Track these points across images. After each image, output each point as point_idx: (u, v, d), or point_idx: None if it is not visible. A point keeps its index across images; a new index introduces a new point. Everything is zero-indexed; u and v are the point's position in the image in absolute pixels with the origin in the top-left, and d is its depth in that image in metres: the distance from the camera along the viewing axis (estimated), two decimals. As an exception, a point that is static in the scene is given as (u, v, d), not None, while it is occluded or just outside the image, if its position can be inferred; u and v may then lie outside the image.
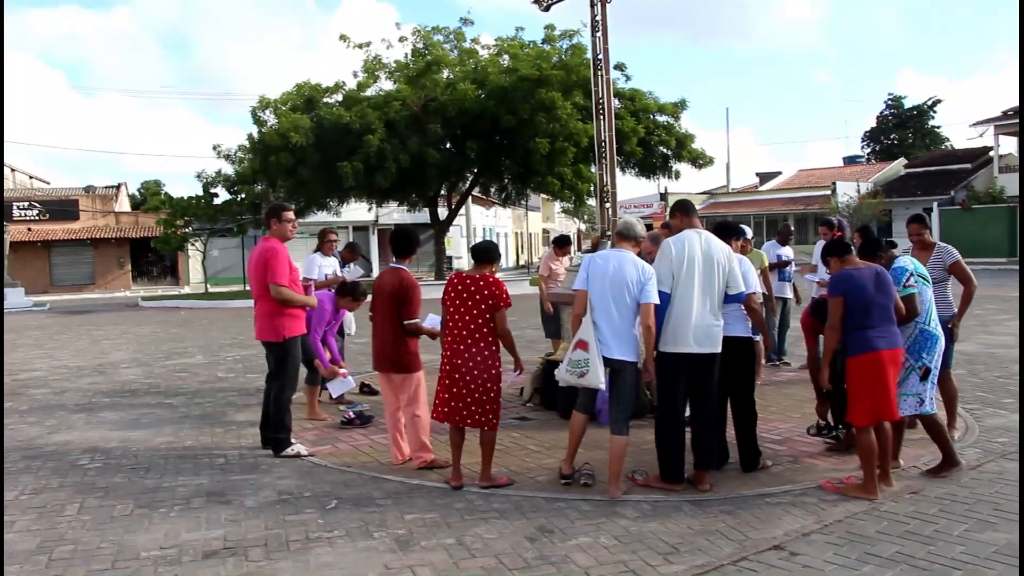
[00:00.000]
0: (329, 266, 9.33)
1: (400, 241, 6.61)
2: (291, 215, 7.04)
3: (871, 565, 4.36)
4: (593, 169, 9.93)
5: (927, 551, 4.53)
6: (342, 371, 8.38)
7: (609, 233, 8.83)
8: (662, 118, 29.68)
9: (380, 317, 6.51)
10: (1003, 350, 11.58)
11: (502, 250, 56.90)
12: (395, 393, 6.57)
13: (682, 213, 5.97)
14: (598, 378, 5.45)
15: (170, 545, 4.89)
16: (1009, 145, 42.73)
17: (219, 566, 4.56)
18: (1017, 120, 40.36)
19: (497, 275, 6.02)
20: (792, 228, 10.82)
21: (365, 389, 9.62)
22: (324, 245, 9.44)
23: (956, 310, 6.91)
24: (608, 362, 5.51)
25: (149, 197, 47.25)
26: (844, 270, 5.67)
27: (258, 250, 6.87)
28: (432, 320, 6.69)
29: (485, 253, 6.01)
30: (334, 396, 8.57)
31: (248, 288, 6.96)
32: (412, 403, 6.43)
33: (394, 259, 6.62)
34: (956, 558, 4.43)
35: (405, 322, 6.33)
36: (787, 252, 10.89)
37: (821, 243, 9.92)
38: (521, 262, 59.27)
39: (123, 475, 6.49)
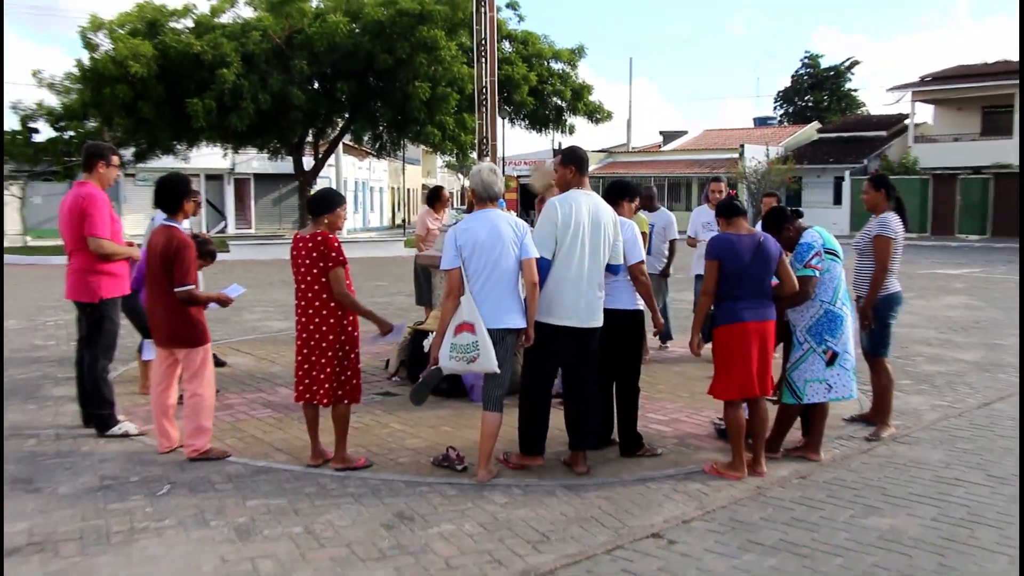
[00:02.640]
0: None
1: (164, 193, 6.28)
2: (119, 160, 6.81)
3: (752, 553, 4.58)
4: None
5: (811, 538, 4.79)
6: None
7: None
8: (557, 66, 29.93)
9: (154, 284, 6.18)
10: (904, 329, 12.18)
11: (376, 206, 56.60)
12: (169, 370, 6.33)
13: (574, 166, 5.93)
14: (491, 361, 5.44)
15: (-41, 542, 4.69)
16: (925, 114, 44.74)
17: (21, 564, 4.43)
18: (935, 86, 42.23)
19: (340, 229, 5.94)
20: (655, 191, 10.84)
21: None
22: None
23: (887, 287, 6.92)
24: (490, 333, 5.50)
25: (-46, 131, 44.75)
26: (724, 234, 5.88)
27: (72, 196, 6.61)
28: (234, 289, 6.58)
29: (318, 204, 5.85)
30: (144, 359, 8.23)
31: (64, 243, 6.69)
32: (194, 379, 6.17)
33: (163, 214, 6.29)
34: (840, 544, 4.70)
35: (176, 289, 6.01)
36: (654, 219, 10.97)
37: (703, 208, 10.11)
38: (398, 220, 58.85)
39: None
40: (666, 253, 10.13)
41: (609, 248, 5.84)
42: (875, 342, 6.92)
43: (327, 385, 5.75)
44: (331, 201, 5.87)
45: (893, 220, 6.86)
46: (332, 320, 5.74)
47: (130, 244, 6.93)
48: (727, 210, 6.00)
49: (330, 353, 5.74)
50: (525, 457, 5.93)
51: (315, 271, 5.70)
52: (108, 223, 6.56)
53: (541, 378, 5.88)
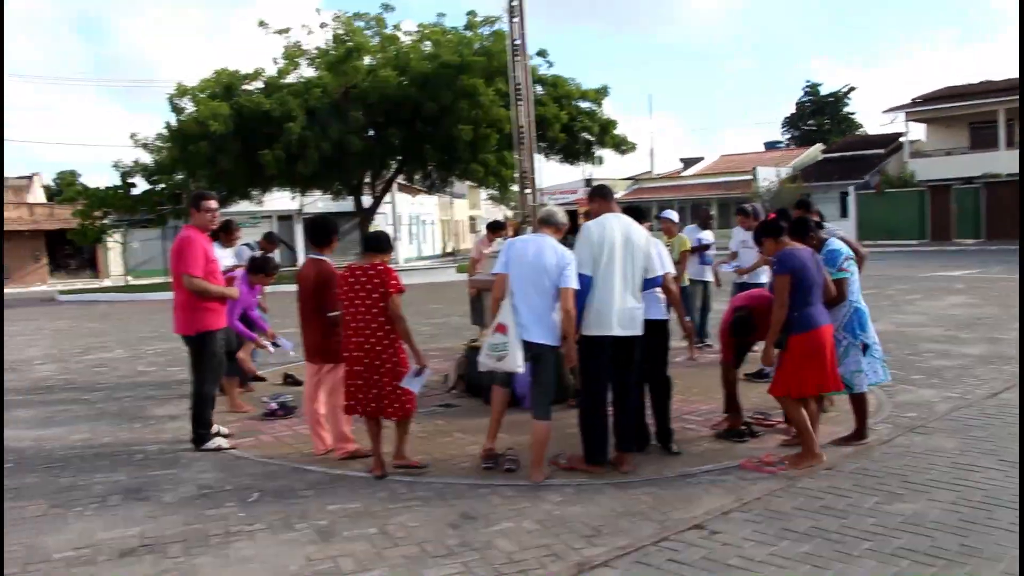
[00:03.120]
0: (226, 257, 9.02)
1: (316, 231, 6.54)
2: (211, 204, 6.84)
3: (787, 540, 4.47)
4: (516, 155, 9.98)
5: (840, 524, 4.66)
6: (274, 342, 8.41)
7: (530, 218, 8.85)
8: (585, 104, 29.88)
9: (305, 308, 6.46)
10: (913, 328, 11.98)
11: (428, 237, 56.88)
12: (317, 384, 6.49)
13: (600, 197, 6.01)
14: (516, 361, 5.44)
15: (84, 545, 4.74)
16: (918, 132, 44.26)
17: (135, 564, 4.45)
18: (925, 107, 41.82)
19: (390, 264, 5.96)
20: (711, 212, 10.98)
21: (289, 380, 9.49)
22: (224, 236, 9.08)
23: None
24: (528, 346, 5.50)
25: (64, 188, 45.48)
26: (788, 249, 5.77)
27: (176, 240, 6.72)
28: None
29: (374, 242, 5.98)
30: (288, 351, 8.57)
31: (171, 280, 6.81)
32: (335, 392, 6.33)
33: (313, 250, 6.55)
34: (867, 529, 4.58)
35: (329, 315, 6.25)
36: (707, 236, 11.07)
37: (738, 230, 10.01)
38: (448, 249, 59.05)
39: (35, 474, 6.26)
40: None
41: (643, 262, 5.77)
42: None
43: (388, 400, 5.74)
44: (385, 244, 6.00)
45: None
46: (387, 342, 5.73)
47: (228, 283, 7.03)
48: (774, 230, 5.95)
49: (386, 371, 5.72)
50: (591, 466, 5.78)
51: (375, 295, 5.69)
52: (202, 263, 6.60)
53: (595, 387, 5.78)
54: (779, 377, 5.81)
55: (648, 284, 5.86)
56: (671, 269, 6.20)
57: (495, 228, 11.58)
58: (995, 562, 4.12)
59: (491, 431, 5.97)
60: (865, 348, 6.11)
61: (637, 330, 5.74)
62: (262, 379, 9.77)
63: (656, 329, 6.12)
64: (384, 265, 5.76)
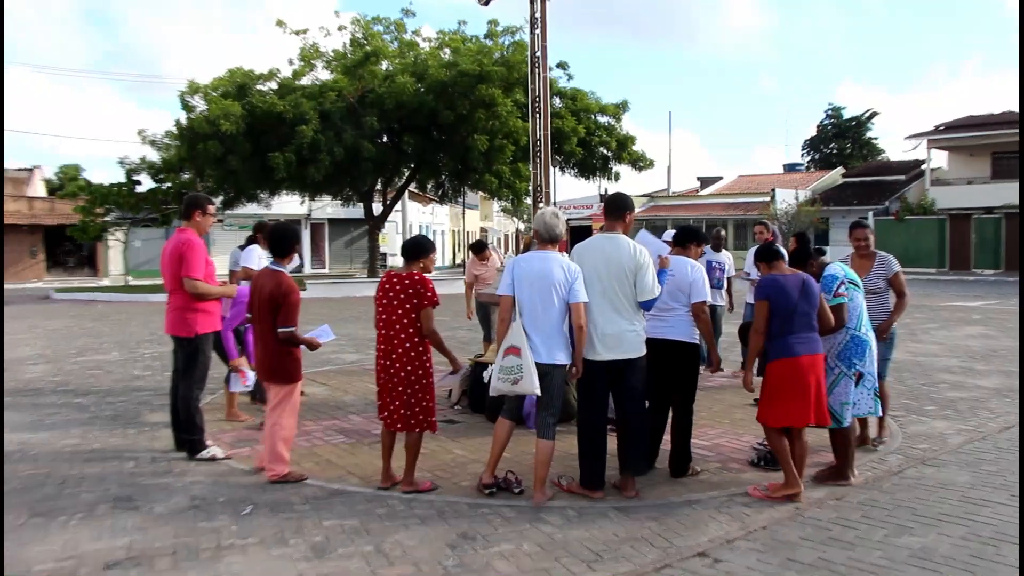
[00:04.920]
0: (264, 259, 8.93)
1: (275, 240, 6.27)
2: (214, 209, 6.87)
3: (792, 571, 4.42)
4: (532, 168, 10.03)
5: (847, 556, 4.61)
6: (243, 369, 7.84)
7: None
8: (603, 119, 29.92)
9: (260, 322, 6.12)
10: (928, 359, 11.90)
11: (439, 247, 56.98)
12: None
13: (605, 213, 5.92)
14: (533, 384, 5.38)
15: (67, 556, 4.68)
16: (940, 159, 44.28)
17: (121, 577, 4.39)
18: (948, 135, 41.77)
19: (431, 272, 5.91)
20: (724, 234, 10.85)
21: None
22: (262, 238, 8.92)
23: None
24: (538, 366, 5.44)
25: (67, 183, 45.57)
26: (771, 275, 5.77)
27: (173, 242, 6.68)
28: (323, 331, 6.49)
29: (413, 249, 5.87)
30: (231, 390, 8.15)
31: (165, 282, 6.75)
32: (276, 410, 6.10)
33: (272, 259, 6.27)
34: (874, 563, 4.52)
35: (279, 330, 5.96)
36: (720, 258, 10.98)
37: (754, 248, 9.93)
38: (458, 260, 59.08)
39: (18, 481, 6.17)
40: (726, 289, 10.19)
41: (629, 286, 5.61)
42: (882, 366, 6.72)
43: (403, 411, 5.69)
44: (425, 248, 5.89)
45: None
46: (414, 353, 5.69)
47: (225, 283, 6.94)
48: (768, 255, 5.90)
49: (408, 383, 5.68)
50: (586, 490, 5.72)
51: (407, 306, 5.65)
52: (203, 266, 6.62)
53: (589, 411, 5.75)
54: (760, 404, 5.79)
55: (644, 307, 5.71)
56: (705, 296, 6.09)
57: (478, 249, 11.56)
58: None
59: (491, 464, 5.80)
60: (859, 377, 6.02)
61: (630, 353, 5.63)
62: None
63: (681, 351, 6.08)
64: (420, 275, 5.71)
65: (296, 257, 6.47)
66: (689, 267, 6.15)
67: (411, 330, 5.68)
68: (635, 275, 5.62)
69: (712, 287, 10.61)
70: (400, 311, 5.68)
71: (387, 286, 5.76)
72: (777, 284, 5.66)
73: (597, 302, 5.58)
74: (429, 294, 5.67)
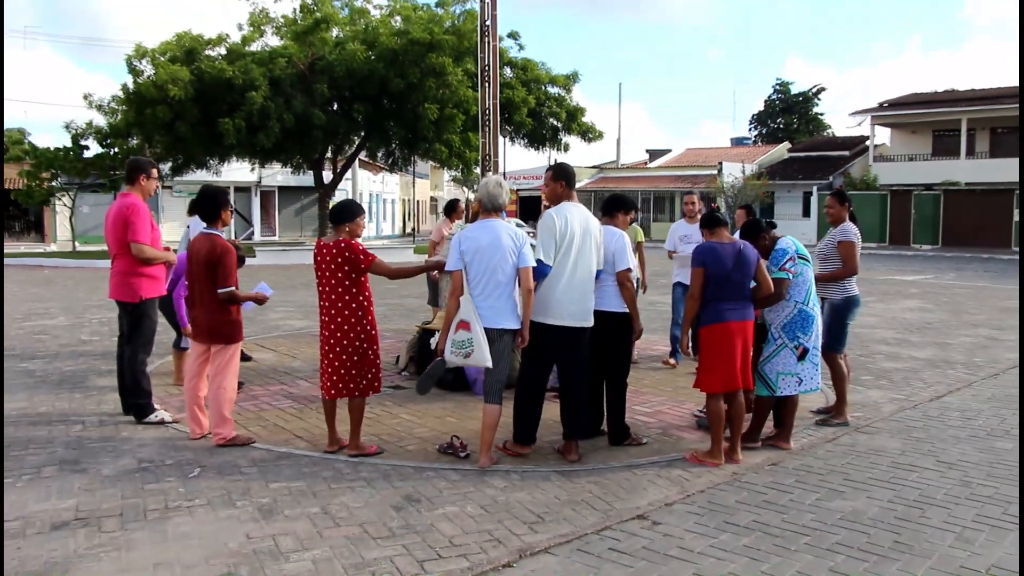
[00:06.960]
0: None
1: (203, 204, 6.24)
2: (158, 173, 6.80)
3: (728, 533, 4.56)
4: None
5: (781, 519, 4.78)
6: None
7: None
8: (553, 90, 29.91)
9: (197, 285, 6.13)
10: (866, 330, 12.20)
11: (388, 216, 56.51)
12: (203, 364, 6.26)
13: (566, 182, 5.94)
14: (484, 356, 5.43)
15: (14, 517, 4.66)
16: (883, 136, 45.05)
17: (68, 538, 4.39)
18: (891, 112, 42.52)
19: (359, 236, 5.87)
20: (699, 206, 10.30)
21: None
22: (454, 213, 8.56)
23: (849, 290, 6.99)
24: (486, 331, 5.48)
25: (11, 146, 44.34)
26: (708, 242, 5.88)
27: (116, 206, 6.58)
28: (261, 287, 6.52)
29: (339, 213, 5.85)
30: (183, 347, 7.97)
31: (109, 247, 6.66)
32: (220, 374, 6.09)
33: (203, 224, 6.26)
34: (807, 524, 4.70)
35: (219, 291, 5.98)
36: (695, 232, 10.57)
37: (681, 222, 9.64)
38: (408, 229, 58.79)
39: (-35, 443, 6.11)
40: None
41: (598, 255, 5.83)
42: (831, 338, 6.87)
43: (345, 378, 5.73)
44: (351, 211, 5.87)
45: (853, 228, 7.11)
46: (353, 320, 5.71)
47: (167, 249, 6.89)
48: (710, 221, 6.02)
49: (350, 350, 5.71)
50: (517, 445, 5.89)
51: (339, 274, 5.66)
52: (149, 231, 6.55)
53: (536, 374, 5.86)
54: (697, 371, 5.94)
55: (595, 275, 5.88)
56: (631, 264, 6.14)
57: (452, 209, 11.53)
58: (924, 559, 4.27)
59: (484, 446, 5.70)
60: (804, 352, 6.13)
61: (588, 321, 5.80)
62: None
63: (615, 321, 6.14)
64: (347, 240, 5.69)
65: (248, 224, 6.46)
66: (614, 237, 6.15)
67: (347, 297, 5.70)
68: (600, 244, 5.84)
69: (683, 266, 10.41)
70: (335, 279, 5.69)
71: (318, 257, 5.77)
72: (714, 251, 5.76)
73: (572, 268, 5.67)
74: (361, 256, 5.66)
